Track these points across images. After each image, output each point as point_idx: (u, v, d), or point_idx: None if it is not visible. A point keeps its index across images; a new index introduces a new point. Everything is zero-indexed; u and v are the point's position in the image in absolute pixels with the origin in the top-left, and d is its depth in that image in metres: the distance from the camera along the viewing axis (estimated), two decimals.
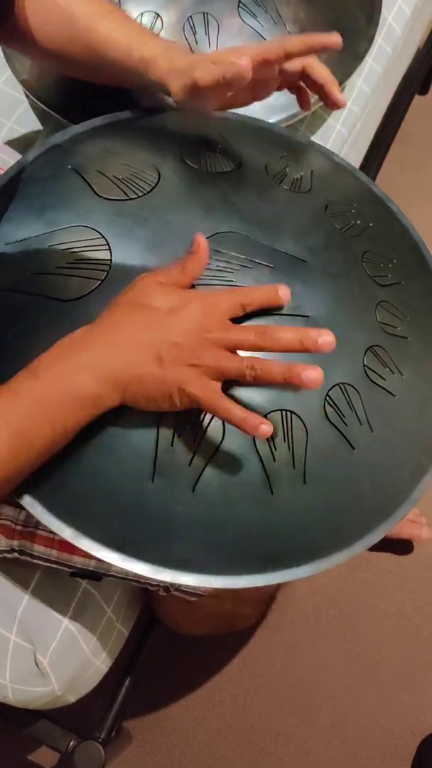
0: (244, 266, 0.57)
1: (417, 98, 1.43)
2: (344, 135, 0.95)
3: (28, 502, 0.52)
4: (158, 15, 0.81)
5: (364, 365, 0.57)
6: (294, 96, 0.71)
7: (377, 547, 0.73)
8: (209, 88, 0.61)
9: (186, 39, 0.80)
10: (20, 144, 0.92)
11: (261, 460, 0.53)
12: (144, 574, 0.51)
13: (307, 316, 0.56)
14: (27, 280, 0.57)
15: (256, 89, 0.67)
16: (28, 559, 0.67)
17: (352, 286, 0.61)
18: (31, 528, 0.66)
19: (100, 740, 0.81)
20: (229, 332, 0.51)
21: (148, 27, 0.80)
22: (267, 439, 0.53)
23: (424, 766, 1.02)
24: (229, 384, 0.51)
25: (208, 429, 0.52)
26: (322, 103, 0.69)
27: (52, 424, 0.48)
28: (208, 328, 0.50)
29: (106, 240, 0.57)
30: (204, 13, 0.81)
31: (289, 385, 0.49)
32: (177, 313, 0.50)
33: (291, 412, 0.53)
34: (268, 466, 0.53)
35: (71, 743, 0.80)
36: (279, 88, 0.69)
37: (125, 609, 0.79)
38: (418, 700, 1.07)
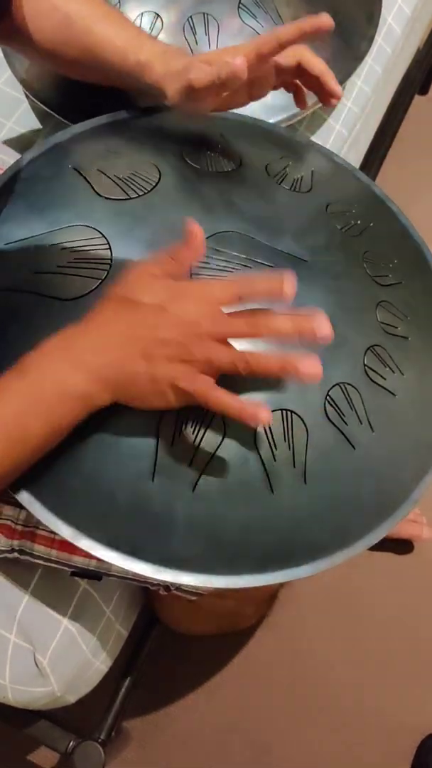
0: (244, 266, 0.57)
1: (417, 98, 1.43)
2: (344, 135, 0.95)
3: (26, 499, 0.52)
4: (158, 15, 0.81)
5: (365, 365, 0.57)
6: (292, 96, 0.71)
7: (377, 547, 0.73)
8: (204, 90, 0.61)
9: (186, 39, 0.80)
10: (20, 144, 0.92)
11: (261, 460, 0.53)
12: (145, 574, 0.51)
13: None
14: (27, 279, 0.57)
15: (253, 89, 0.67)
16: (29, 558, 0.67)
17: (352, 286, 0.61)
18: (31, 528, 0.66)
19: (99, 740, 0.81)
20: (217, 324, 0.49)
21: (148, 27, 0.80)
22: (267, 438, 0.53)
23: (423, 766, 1.02)
24: (229, 383, 0.51)
25: (209, 428, 0.52)
26: (321, 104, 0.69)
27: (43, 422, 0.48)
28: (197, 322, 0.49)
29: (106, 239, 0.57)
30: (204, 14, 0.81)
31: (285, 376, 0.48)
32: (166, 309, 0.49)
33: (291, 411, 0.53)
34: (269, 466, 0.53)
35: (71, 743, 0.80)
36: (275, 87, 0.69)
37: (125, 609, 0.79)
38: (418, 700, 1.07)
